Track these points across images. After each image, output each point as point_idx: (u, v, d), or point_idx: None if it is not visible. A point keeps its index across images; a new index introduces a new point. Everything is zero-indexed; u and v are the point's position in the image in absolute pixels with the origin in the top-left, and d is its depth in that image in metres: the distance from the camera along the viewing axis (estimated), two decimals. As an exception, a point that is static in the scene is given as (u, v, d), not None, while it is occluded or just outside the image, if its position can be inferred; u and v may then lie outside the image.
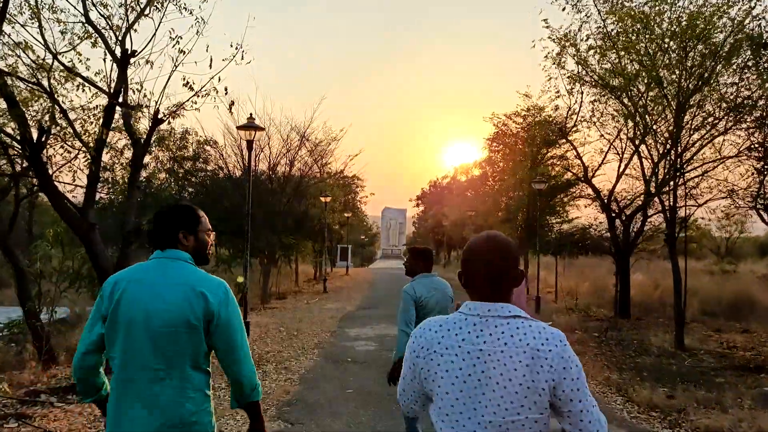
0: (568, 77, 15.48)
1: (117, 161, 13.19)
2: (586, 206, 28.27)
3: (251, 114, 10.71)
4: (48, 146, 10.84)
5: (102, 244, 8.64)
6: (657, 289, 21.88)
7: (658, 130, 13.89)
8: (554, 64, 17.76)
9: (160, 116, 9.33)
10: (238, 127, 10.53)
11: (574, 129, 18.95)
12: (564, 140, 19.52)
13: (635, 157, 17.29)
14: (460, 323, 1.91)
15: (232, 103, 9.35)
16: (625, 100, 14.19)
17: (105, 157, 13.08)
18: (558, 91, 18.46)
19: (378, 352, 11.61)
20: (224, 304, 2.56)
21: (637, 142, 16.23)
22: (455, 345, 1.88)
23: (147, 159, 24.86)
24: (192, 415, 2.51)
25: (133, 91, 9.81)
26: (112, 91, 9.05)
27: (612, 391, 8.77)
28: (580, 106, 18.25)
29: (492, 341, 1.86)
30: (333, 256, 48.68)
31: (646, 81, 12.93)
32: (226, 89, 9.33)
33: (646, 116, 13.51)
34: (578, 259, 44.69)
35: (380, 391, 8.30)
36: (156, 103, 9.26)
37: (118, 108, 9.74)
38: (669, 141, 13.52)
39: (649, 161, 16.63)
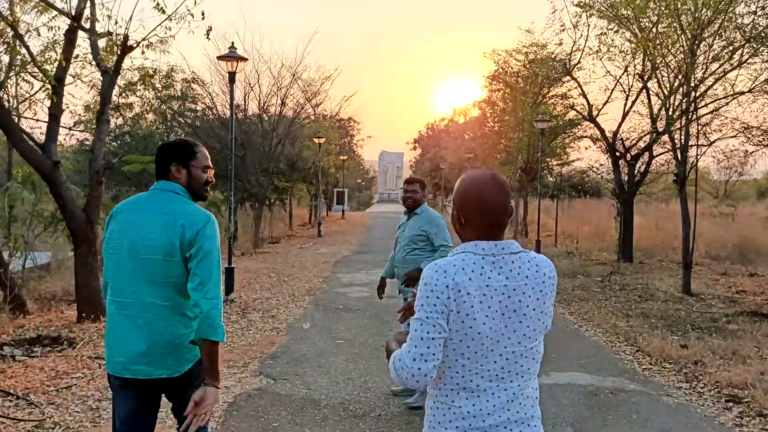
0: (576, 4, 14.44)
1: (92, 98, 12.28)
2: (587, 148, 27.66)
3: (233, 43, 9.84)
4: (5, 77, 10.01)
5: (67, 184, 7.91)
6: (659, 232, 21.28)
7: (670, 63, 12.98)
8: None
9: (130, 43, 8.44)
10: (219, 57, 9.64)
11: (579, 66, 17.99)
12: (568, 77, 18.57)
13: (643, 94, 16.45)
14: (481, 263, 1.93)
15: (210, 29, 8.40)
16: (636, 31, 13.22)
17: (86, 95, 12.18)
18: (563, 25, 17.41)
19: (371, 298, 11.02)
20: (202, 234, 2.58)
21: (645, 78, 15.34)
22: (483, 285, 1.90)
23: (133, 99, 23.90)
24: (180, 336, 2.62)
25: (102, 18, 8.90)
26: (74, 13, 8.14)
27: (620, 339, 8.21)
28: (586, 41, 17.28)
29: (513, 276, 1.94)
30: (329, 200, 47.99)
31: (657, 11, 11.95)
32: (203, 14, 8.42)
33: (657, 48, 12.56)
34: (576, 202, 44.32)
35: (373, 343, 7.73)
36: (125, 28, 8.36)
37: (84, 35, 8.88)
38: (681, 75, 12.65)
39: (659, 98, 15.80)
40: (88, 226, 7.99)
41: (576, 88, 18.71)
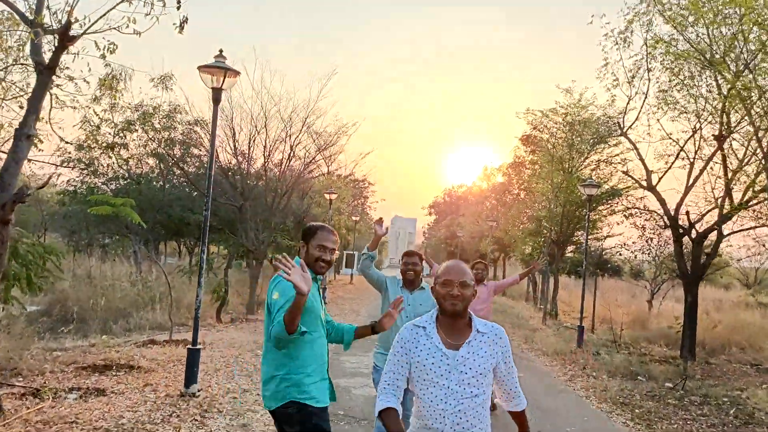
0: (654, 41, 12.09)
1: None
2: (619, 223, 24.92)
3: (221, 51, 7.48)
4: None
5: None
6: (717, 325, 18.32)
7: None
8: (616, 44, 14.58)
9: (72, 33, 6.07)
10: (200, 68, 7.27)
11: (633, 126, 15.57)
12: (617, 139, 16.15)
13: (714, 160, 13.96)
14: None
15: (185, 21, 6.01)
16: (727, 75, 10.82)
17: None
18: (616, 79, 15.09)
19: (383, 400, 8.25)
20: (269, 291, 3.54)
21: (722, 139, 12.89)
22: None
23: (132, 138, 21.75)
24: (267, 374, 3.53)
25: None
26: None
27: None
28: (645, 98, 14.89)
29: None
30: (338, 263, 45.31)
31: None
32: (178, 1, 6.06)
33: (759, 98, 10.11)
34: (597, 282, 41.25)
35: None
36: (66, 13, 6.00)
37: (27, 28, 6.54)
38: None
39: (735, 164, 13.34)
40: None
41: (629, 150, 16.28)
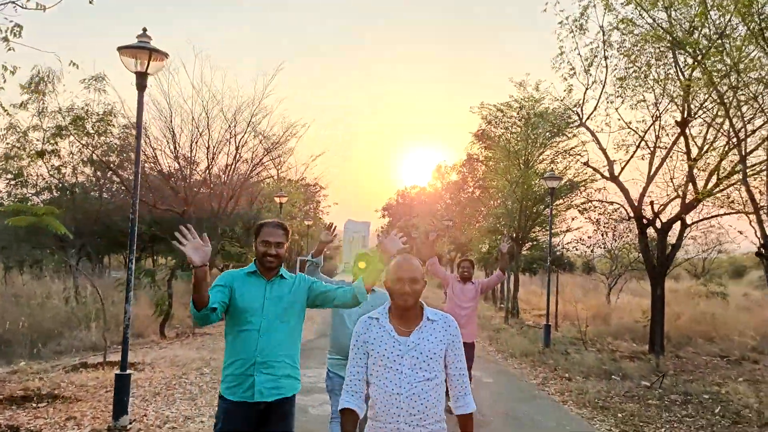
0: (618, 21, 11.53)
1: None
2: (573, 218, 24.62)
3: (144, 30, 6.47)
4: None
5: None
6: (680, 317, 18.05)
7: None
8: (572, 31, 14.09)
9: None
10: (120, 49, 6.25)
11: (592, 115, 15.07)
12: (579, 127, 15.64)
13: (675, 150, 13.58)
14: None
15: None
16: (693, 51, 10.30)
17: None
18: (572, 69, 14.58)
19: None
20: None
21: (685, 124, 12.48)
22: None
23: (63, 145, 20.25)
24: None
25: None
26: None
27: None
28: (603, 86, 14.41)
29: None
30: (292, 269, 44.11)
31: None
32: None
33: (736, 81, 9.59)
34: (556, 278, 41.18)
35: None
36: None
37: None
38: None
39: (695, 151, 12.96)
40: None
41: (587, 142, 15.83)
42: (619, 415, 8.17)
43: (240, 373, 3.54)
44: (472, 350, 7.80)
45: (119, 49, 6.37)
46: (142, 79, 6.49)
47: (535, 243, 28.57)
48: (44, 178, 20.84)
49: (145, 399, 8.08)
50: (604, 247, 25.30)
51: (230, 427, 3.52)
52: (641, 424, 7.79)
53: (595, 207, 22.18)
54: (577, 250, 27.00)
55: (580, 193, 20.90)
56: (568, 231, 23.11)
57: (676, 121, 12.64)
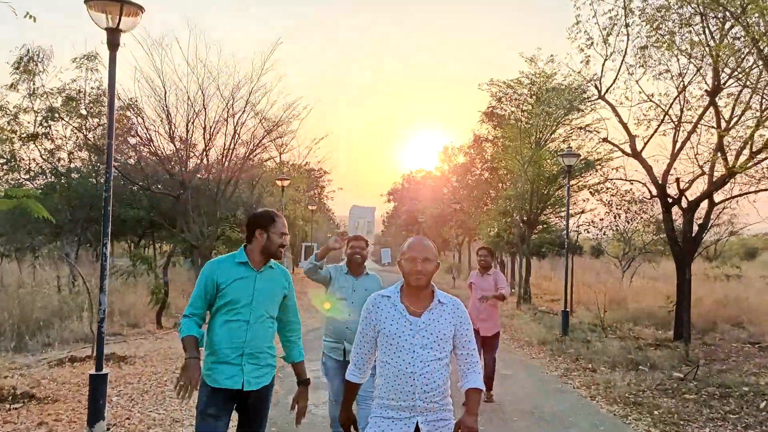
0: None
1: None
2: (585, 200, 23.69)
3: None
4: None
5: None
6: (702, 302, 17.18)
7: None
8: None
9: None
10: (87, 1, 5.42)
11: (612, 88, 14.14)
12: (596, 102, 14.73)
13: (702, 124, 12.68)
14: None
15: None
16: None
17: None
18: (590, 38, 13.66)
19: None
20: None
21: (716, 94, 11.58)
22: None
23: (56, 128, 19.48)
24: None
25: None
26: None
27: None
28: (624, 56, 13.50)
29: None
30: (296, 256, 43.36)
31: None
32: None
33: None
34: (560, 261, 40.26)
35: None
36: None
37: None
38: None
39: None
40: None
41: (603, 120, 14.92)
42: (656, 412, 7.37)
43: (226, 362, 3.53)
44: (496, 339, 7.87)
45: (86, 2, 5.53)
46: (113, 36, 5.65)
47: (545, 226, 27.78)
48: (38, 163, 20.10)
49: (132, 398, 7.32)
50: (617, 230, 24.52)
51: (213, 410, 3.51)
52: (681, 422, 6.99)
53: (608, 188, 21.36)
54: (588, 232, 26.19)
55: (596, 172, 19.98)
56: (582, 213, 22.13)
57: (705, 90, 11.74)
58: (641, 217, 23.11)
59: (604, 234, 25.76)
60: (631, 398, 7.98)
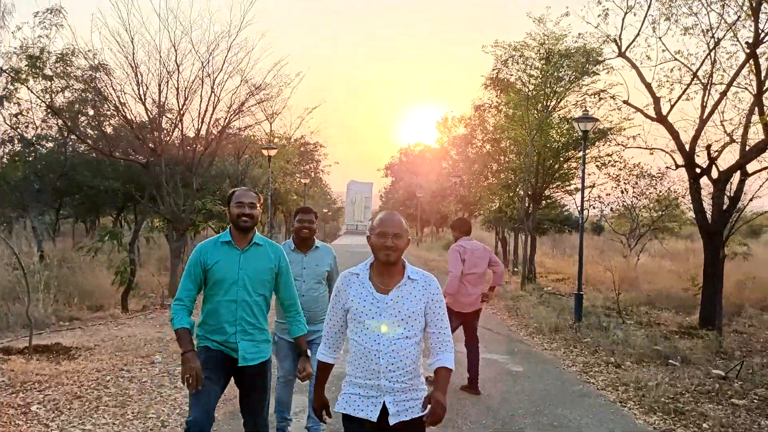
0: None
1: None
2: (601, 169, 22.17)
3: None
4: None
5: None
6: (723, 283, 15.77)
7: None
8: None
9: None
10: None
11: (632, 45, 12.57)
12: (614, 60, 13.19)
13: (736, 86, 11.15)
14: None
15: None
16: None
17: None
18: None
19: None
20: None
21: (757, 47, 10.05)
22: None
23: (22, 92, 17.88)
24: None
25: None
26: None
27: None
28: (649, 7, 11.97)
29: None
30: (289, 232, 41.98)
31: None
32: None
33: None
34: (560, 238, 38.88)
35: None
36: None
37: None
38: None
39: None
40: None
41: (620, 83, 13.34)
42: (704, 425, 5.98)
43: (222, 341, 3.67)
44: (477, 317, 7.14)
45: None
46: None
47: (550, 201, 26.33)
48: (4, 130, 18.52)
49: (57, 408, 5.89)
50: (623, 205, 23.15)
51: (206, 373, 3.50)
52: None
53: (615, 162, 19.99)
54: (594, 208, 24.77)
55: (609, 142, 18.48)
56: (593, 186, 20.63)
57: (747, 43, 10.18)
58: (651, 192, 21.69)
59: (611, 210, 24.39)
60: (671, 405, 6.57)
